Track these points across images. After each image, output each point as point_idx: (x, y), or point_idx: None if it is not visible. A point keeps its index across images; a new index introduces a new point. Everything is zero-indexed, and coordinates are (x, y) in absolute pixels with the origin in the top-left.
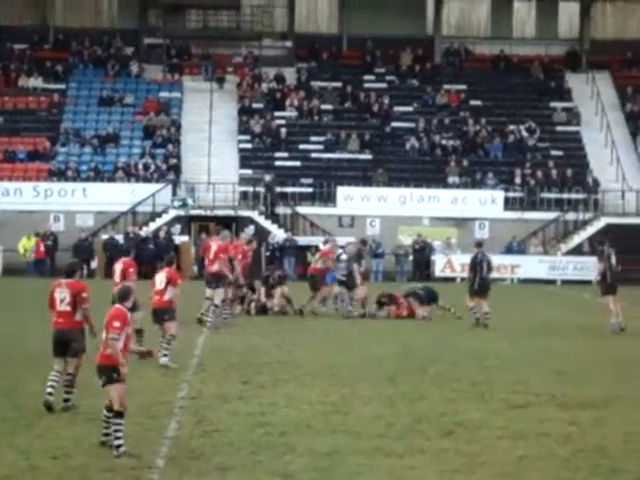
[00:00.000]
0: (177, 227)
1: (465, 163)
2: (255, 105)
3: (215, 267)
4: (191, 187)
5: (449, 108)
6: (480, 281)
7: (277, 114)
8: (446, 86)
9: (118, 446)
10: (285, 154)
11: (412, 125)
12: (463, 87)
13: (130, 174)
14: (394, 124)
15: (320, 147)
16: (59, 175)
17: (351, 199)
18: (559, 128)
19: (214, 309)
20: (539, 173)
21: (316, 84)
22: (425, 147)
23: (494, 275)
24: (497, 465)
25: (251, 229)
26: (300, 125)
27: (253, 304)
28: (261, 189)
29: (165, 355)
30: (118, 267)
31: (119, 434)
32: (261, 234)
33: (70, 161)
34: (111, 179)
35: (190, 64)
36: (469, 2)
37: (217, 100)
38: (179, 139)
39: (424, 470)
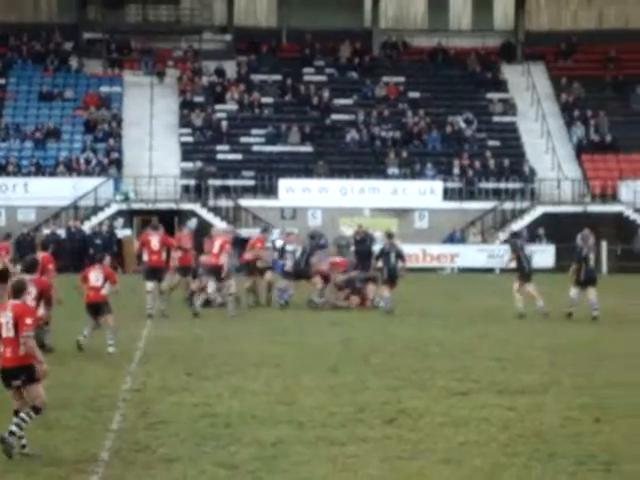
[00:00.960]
0: (119, 221)
1: (404, 154)
2: (196, 99)
3: (222, 259)
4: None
5: (388, 100)
6: (389, 271)
7: (218, 107)
8: (385, 78)
9: (21, 440)
10: (226, 147)
11: (352, 117)
12: (401, 79)
13: (71, 168)
14: (334, 116)
15: (261, 140)
16: (0, 170)
17: (293, 191)
18: (496, 119)
19: (233, 299)
20: (477, 163)
21: (256, 77)
22: (365, 139)
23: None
24: (439, 451)
25: (194, 222)
26: (241, 118)
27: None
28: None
29: (111, 345)
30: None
31: (24, 428)
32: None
33: (11, 156)
34: (52, 174)
35: (130, 58)
36: None
37: (158, 94)
38: (120, 133)
39: (367, 458)
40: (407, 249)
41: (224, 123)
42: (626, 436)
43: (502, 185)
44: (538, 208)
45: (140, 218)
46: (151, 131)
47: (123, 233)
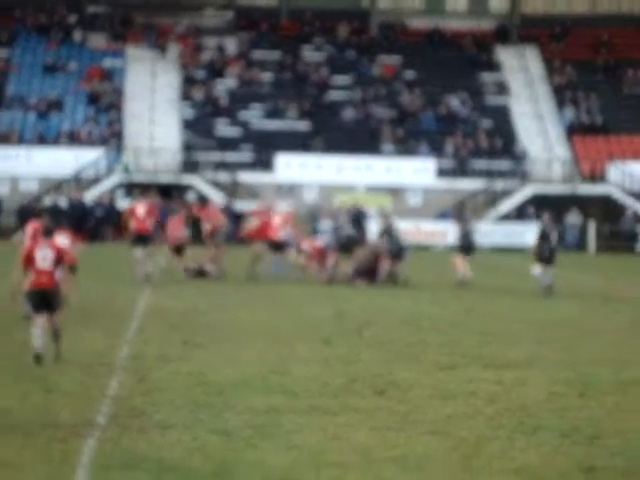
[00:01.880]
0: (120, 192)
1: (399, 133)
2: (197, 74)
3: (282, 234)
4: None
5: (384, 79)
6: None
7: (218, 82)
8: (382, 58)
9: None
10: (226, 121)
11: (349, 95)
12: (398, 59)
13: (74, 139)
14: (331, 94)
15: (260, 115)
16: (3, 140)
17: (290, 167)
18: (489, 99)
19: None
20: (470, 143)
21: (256, 54)
22: (361, 117)
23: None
24: (427, 423)
25: (192, 195)
26: (240, 94)
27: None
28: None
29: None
30: (29, 230)
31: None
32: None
33: (14, 126)
34: (55, 144)
35: (133, 32)
36: None
37: (159, 68)
38: (122, 106)
39: (357, 427)
40: (401, 226)
41: (224, 98)
42: (610, 411)
43: (494, 165)
44: (528, 188)
45: (140, 190)
46: (152, 104)
47: (123, 204)
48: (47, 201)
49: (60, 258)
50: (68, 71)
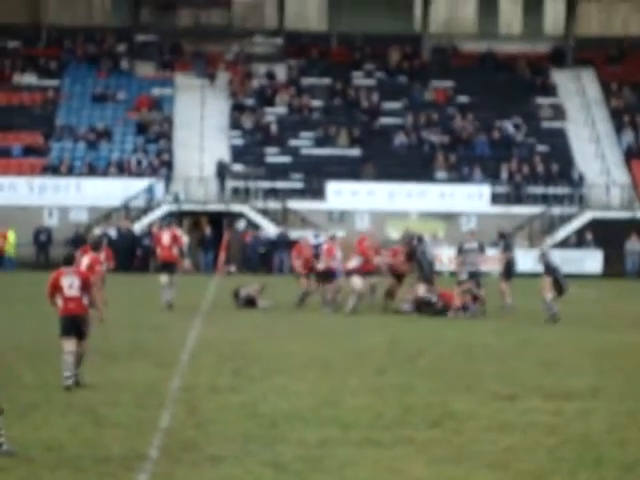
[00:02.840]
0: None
1: (452, 159)
2: (246, 101)
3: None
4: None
5: (437, 104)
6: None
7: (268, 110)
8: (434, 83)
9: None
10: (275, 150)
11: (400, 121)
12: (450, 84)
13: (123, 169)
14: (382, 120)
15: (310, 143)
16: (53, 170)
17: (340, 194)
18: (545, 124)
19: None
20: (525, 168)
21: (306, 80)
22: (413, 143)
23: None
24: (484, 455)
25: (242, 223)
26: (290, 121)
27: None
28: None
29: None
30: (85, 260)
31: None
32: (253, 228)
33: (64, 157)
34: (104, 174)
35: (182, 61)
36: (456, 0)
37: (208, 96)
38: (171, 135)
39: (412, 460)
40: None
41: (273, 126)
42: None
43: (550, 190)
44: (587, 213)
45: (190, 219)
46: (201, 133)
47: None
48: (97, 231)
49: (86, 284)
50: (117, 100)
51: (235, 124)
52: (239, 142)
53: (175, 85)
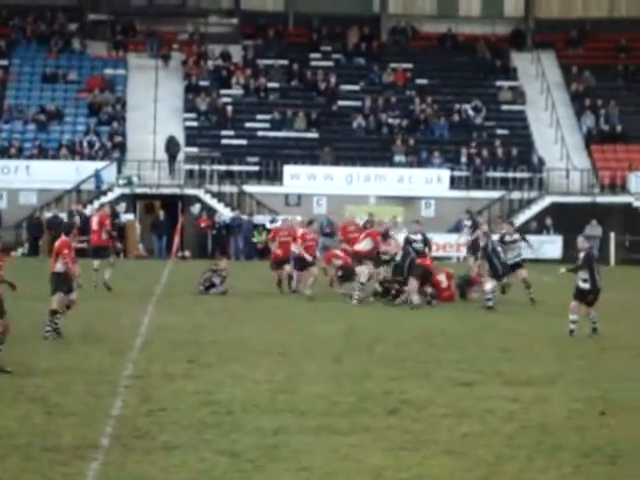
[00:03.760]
0: (122, 205)
1: (411, 142)
2: (201, 83)
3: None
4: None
5: (395, 87)
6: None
7: (223, 92)
8: (392, 65)
9: None
10: (231, 132)
11: (358, 104)
12: (409, 66)
13: (74, 152)
14: (341, 102)
15: (266, 125)
16: (2, 152)
17: (298, 178)
18: (505, 107)
19: (360, 286)
20: (485, 152)
21: (262, 62)
22: (371, 126)
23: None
24: (441, 442)
25: (197, 207)
26: (246, 103)
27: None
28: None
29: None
30: (55, 245)
31: None
32: (207, 212)
33: (13, 138)
34: (55, 157)
35: (135, 41)
36: None
37: (162, 77)
38: (124, 116)
39: (369, 448)
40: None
41: (229, 108)
42: (631, 429)
43: (510, 174)
44: (546, 198)
45: (143, 202)
46: (155, 115)
47: (126, 217)
48: (47, 214)
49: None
50: (68, 81)
51: (190, 106)
52: (194, 124)
53: (128, 66)
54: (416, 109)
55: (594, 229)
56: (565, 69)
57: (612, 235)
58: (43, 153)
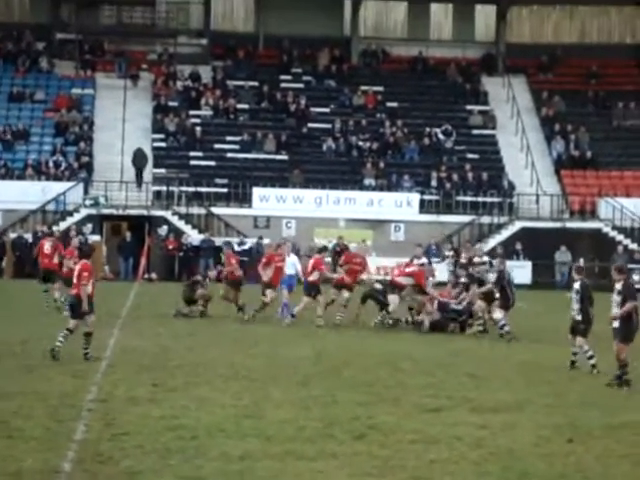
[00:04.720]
0: (88, 226)
1: (381, 165)
2: (170, 103)
3: (313, 276)
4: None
5: (366, 109)
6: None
7: (192, 113)
8: (363, 87)
9: None
10: (200, 154)
11: (329, 126)
12: (380, 88)
13: (40, 172)
14: (311, 125)
15: (236, 147)
16: None
17: (267, 200)
18: (475, 131)
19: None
20: (455, 176)
21: (232, 83)
22: (342, 148)
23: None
24: (409, 469)
25: (164, 229)
26: (215, 124)
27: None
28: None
29: (61, 342)
30: (76, 268)
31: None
32: (175, 234)
33: None
34: (21, 177)
35: (103, 60)
36: (386, 4)
37: (131, 97)
38: (91, 137)
39: (335, 474)
40: (382, 261)
41: (198, 129)
42: (599, 457)
43: (480, 199)
44: (516, 223)
45: (110, 224)
46: (123, 135)
47: (92, 239)
48: (12, 235)
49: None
50: (35, 100)
51: (158, 127)
52: (162, 145)
53: (96, 85)
54: (386, 132)
55: (563, 255)
56: (536, 94)
57: (581, 261)
58: (9, 173)
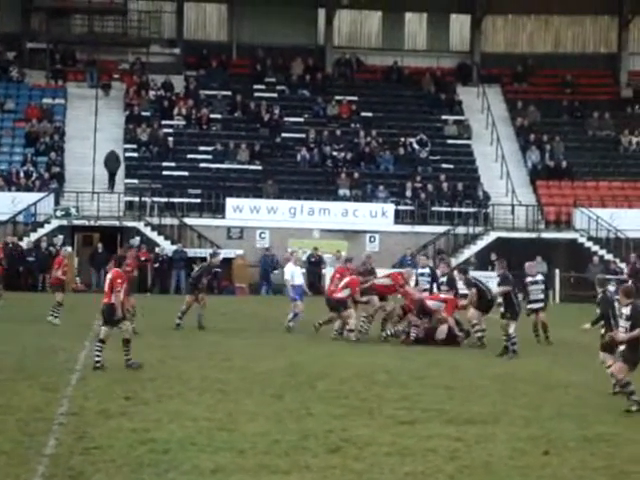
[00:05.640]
0: (59, 238)
1: (356, 175)
2: (142, 113)
3: (341, 294)
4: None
5: (340, 119)
6: None
7: (165, 122)
8: (337, 97)
9: None
10: (173, 164)
11: (303, 136)
12: (354, 98)
13: (11, 182)
14: (284, 134)
15: (209, 157)
16: None
17: (240, 210)
18: (450, 141)
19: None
20: (430, 186)
21: (205, 92)
22: (316, 158)
23: None
24: None
25: (137, 240)
26: (188, 134)
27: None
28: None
29: (98, 355)
30: (108, 276)
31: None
32: (147, 245)
33: None
34: None
35: (75, 70)
36: (360, 13)
37: (102, 107)
38: (63, 147)
39: None
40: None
41: (171, 139)
42: (574, 469)
43: (455, 209)
44: (491, 234)
45: (82, 235)
46: (95, 145)
47: (67, 250)
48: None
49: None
50: (5, 110)
51: (130, 137)
52: (134, 155)
53: (67, 95)
54: (361, 142)
55: (539, 266)
56: (510, 103)
57: (557, 272)
58: None
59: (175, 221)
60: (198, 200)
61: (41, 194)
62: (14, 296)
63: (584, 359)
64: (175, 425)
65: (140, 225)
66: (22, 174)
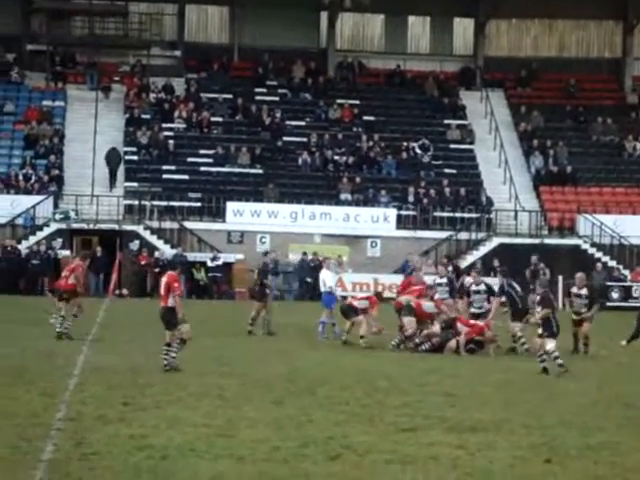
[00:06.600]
0: (58, 241)
1: (358, 180)
2: (142, 116)
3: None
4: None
5: (342, 123)
6: None
7: (165, 125)
8: (339, 100)
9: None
10: (173, 167)
11: (304, 139)
12: (356, 102)
13: (10, 185)
14: (286, 138)
15: (209, 160)
16: None
17: (241, 214)
18: (453, 146)
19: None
20: (432, 191)
21: (206, 95)
22: (317, 162)
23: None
24: None
25: (136, 244)
26: (189, 137)
27: None
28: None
29: (173, 357)
30: (163, 280)
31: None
32: (147, 249)
33: None
34: None
35: (75, 72)
36: (363, 16)
37: (102, 110)
38: (62, 150)
39: None
40: (358, 277)
41: (171, 142)
42: (576, 478)
43: (458, 214)
44: (494, 239)
45: (80, 238)
46: (94, 148)
47: (62, 253)
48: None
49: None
50: (4, 112)
51: (130, 140)
52: (134, 158)
53: (67, 97)
54: (363, 146)
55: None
56: (514, 108)
57: (560, 278)
58: None
59: (175, 225)
60: (198, 204)
61: (40, 197)
62: (14, 300)
63: (586, 366)
64: (174, 431)
65: (139, 229)
66: (21, 177)
